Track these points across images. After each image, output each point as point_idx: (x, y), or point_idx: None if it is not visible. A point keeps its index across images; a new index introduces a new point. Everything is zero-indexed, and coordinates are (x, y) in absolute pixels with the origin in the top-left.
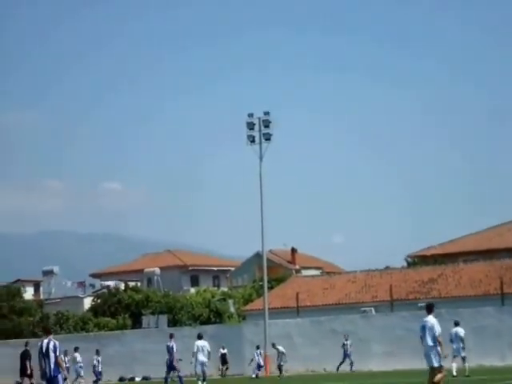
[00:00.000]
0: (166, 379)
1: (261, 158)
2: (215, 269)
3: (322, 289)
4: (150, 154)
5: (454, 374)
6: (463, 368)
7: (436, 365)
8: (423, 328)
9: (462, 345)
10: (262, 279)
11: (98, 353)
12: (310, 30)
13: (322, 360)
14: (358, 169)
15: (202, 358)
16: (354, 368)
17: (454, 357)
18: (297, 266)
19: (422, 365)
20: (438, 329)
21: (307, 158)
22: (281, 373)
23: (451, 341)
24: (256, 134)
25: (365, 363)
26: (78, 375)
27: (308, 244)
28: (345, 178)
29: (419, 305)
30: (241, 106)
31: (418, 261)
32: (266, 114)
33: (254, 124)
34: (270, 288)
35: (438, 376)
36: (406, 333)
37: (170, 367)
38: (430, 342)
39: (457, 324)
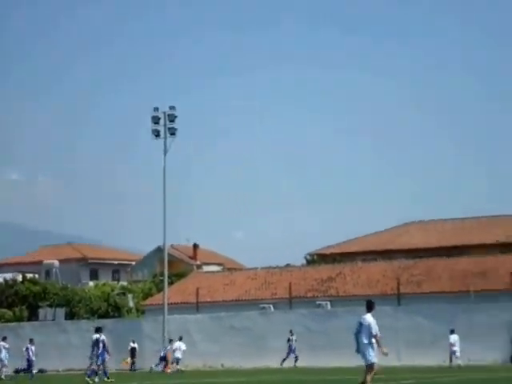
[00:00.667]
0: (95, 372)
1: (165, 153)
2: (115, 262)
3: (223, 285)
4: (55, 143)
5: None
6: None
7: (371, 362)
8: (360, 325)
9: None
10: (162, 274)
11: (31, 342)
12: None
13: (221, 356)
14: (261, 166)
15: (99, 351)
16: (297, 363)
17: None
18: (198, 262)
19: (318, 362)
20: (374, 327)
21: (212, 154)
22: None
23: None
24: (161, 128)
25: (262, 360)
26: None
27: (210, 240)
28: (248, 174)
29: (317, 303)
30: (147, 100)
31: (318, 259)
32: (172, 108)
33: (159, 118)
34: (171, 283)
35: (370, 375)
36: (304, 330)
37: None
38: (364, 340)
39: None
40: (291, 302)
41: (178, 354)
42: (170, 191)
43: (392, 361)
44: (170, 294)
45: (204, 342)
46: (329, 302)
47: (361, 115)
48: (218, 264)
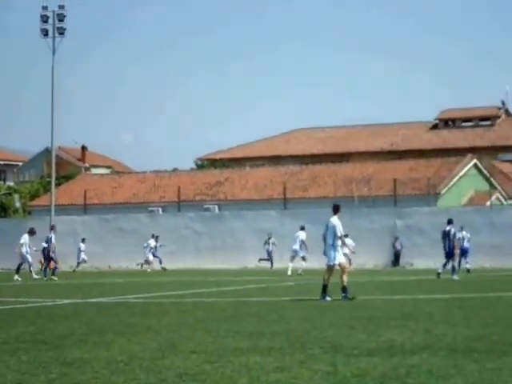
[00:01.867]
0: (44, 269)
1: (53, 52)
2: (1, 163)
3: (111, 188)
4: None
5: (289, 273)
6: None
7: (332, 263)
8: (326, 227)
9: (302, 246)
10: (49, 175)
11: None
12: None
13: (108, 257)
14: (153, 68)
15: None
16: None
17: (293, 257)
18: (86, 164)
19: (203, 264)
20: (339, 229)
21: (100, 55)
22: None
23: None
24: (50, 27)
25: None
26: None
27: (98, 142)
28: (138, 77)
29: (205, 206)
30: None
31: (207, 164)
32: (61, 7)
33: (48, 17)
34: (58, 185)
35: (344, 276)
36: (191, 233)
37: (48, 258)
38: (329, 241)
39: (302, 228)
40: (180, 205)
41: (84, 256)
42: (59, 92)
43: (276, 263)
44: (58, 195)
45: (91, 243)
46: (216, 206)
47: None
48: (107, 167)
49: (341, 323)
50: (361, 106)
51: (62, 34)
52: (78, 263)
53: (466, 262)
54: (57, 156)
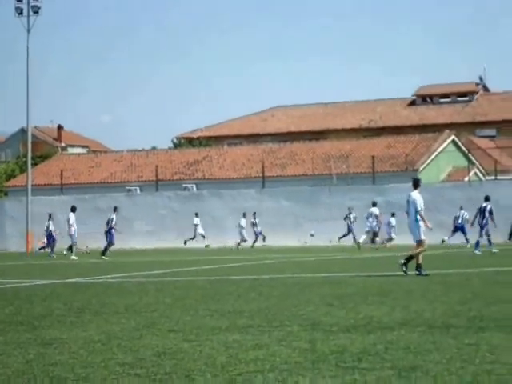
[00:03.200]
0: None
1: (28, 31)
2: None
3: (88, 167)
4: None
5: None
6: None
7: (419, 238)
8: (407, 202)
9: (375, 222)
10: (26, 155)
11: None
12: None
13: (86, 237)
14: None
15: None
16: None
17: (367, 232)
18: (63, 144)
19: (180, 244)
20: (420, 204)
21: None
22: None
23: (367, 218)
24: (24, 6)
25: (127, 241)
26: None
27: (75, 122)
28: (114, 58)
29: (184, 185)
30: None
31: (185, 143)
32: None
33: None
34: (34, 165)
35: (417, 249)
36: (170, 212)
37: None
38: (412, 216)
39: (374, 204)
40: (157, 184)
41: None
42: (34, 71)
43: (250, 241)
44: (34, 175)
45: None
46: (195, 185)
47: None
48: (84, 146)
49: (320, 300)
50: (338, 82)
51: (36, 12)
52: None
53: (467, 239)
54: (33, 136)
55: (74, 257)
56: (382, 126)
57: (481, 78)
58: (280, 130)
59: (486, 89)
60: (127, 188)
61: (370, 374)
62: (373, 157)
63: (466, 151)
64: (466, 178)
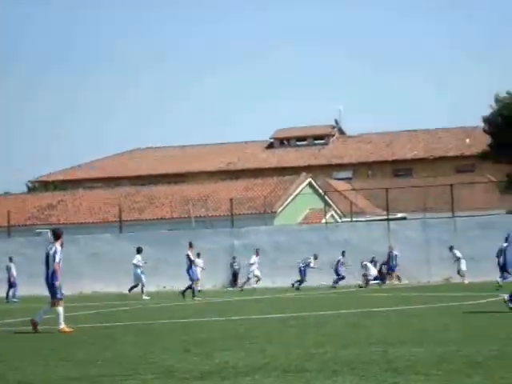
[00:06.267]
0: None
1: None
2: None
3: None
4: None
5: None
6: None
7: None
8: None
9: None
10: None
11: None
12: None
13: None
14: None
15: None
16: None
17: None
18: None
19: (34, 291)
20: None
21: None
22: None
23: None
24: None
25: None
26: None
27: None
28: None
29: (37, 231)
30: None
31: (39, 186)
32: None
33: None
34: None
35: None
36: (23, 259)
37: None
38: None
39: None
40: (9, 230)
41: None
42: None
43: (111, 287)
44: None
45: None
46: (49, 231)
47: None
48: None
49: (175, 347)
50: (198, 125)
51: None
52: None
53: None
54: None
55: None
56: (241, 168)
57: (336, 121)
58: (138, 173)
59: (341, 132)
60: None
61: None
62: (231, 199)
63: (323, 193)
64: (323, 220)
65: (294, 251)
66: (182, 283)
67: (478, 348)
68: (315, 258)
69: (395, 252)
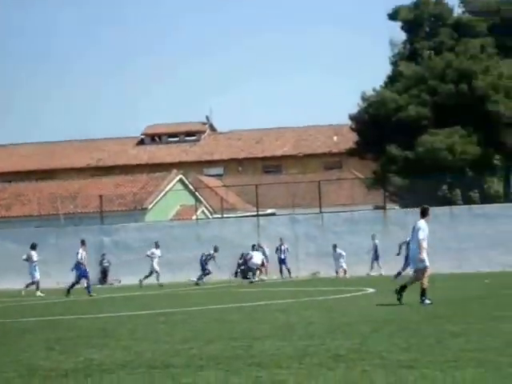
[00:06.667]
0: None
1: None
2: None
3: None
4: None
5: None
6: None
7: (420, 266)
8: (412, 229)
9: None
10: None
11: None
12: None
13: None
14: None
15: None
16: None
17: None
18: None
19: None
20: (422, 233)
21: None
22: None
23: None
24: None
25: None
26: None
27: None
28: None
29: None
30: None
31: None
32: None
33: None
34: None
35: (423, 278)
36: None
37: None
38: (414, 245)
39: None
40: None
41: None
42: None
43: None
44: None
45: None
46: None
47: None
48: None
49: (39, 345)
50: (63, 121)
51: None
52: None
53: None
54: None
55: None
56: (111, 164)
57: (207, 118)
58: (5, 170)
59: (212, 128)
60: None
61: None
62: (101, 196)
63: (194, 190)
64: (194, 217)
65: (166, 248)
66: (48, 280)
67: (341, 341)
68: (215, 250)
69: (266, 248)
